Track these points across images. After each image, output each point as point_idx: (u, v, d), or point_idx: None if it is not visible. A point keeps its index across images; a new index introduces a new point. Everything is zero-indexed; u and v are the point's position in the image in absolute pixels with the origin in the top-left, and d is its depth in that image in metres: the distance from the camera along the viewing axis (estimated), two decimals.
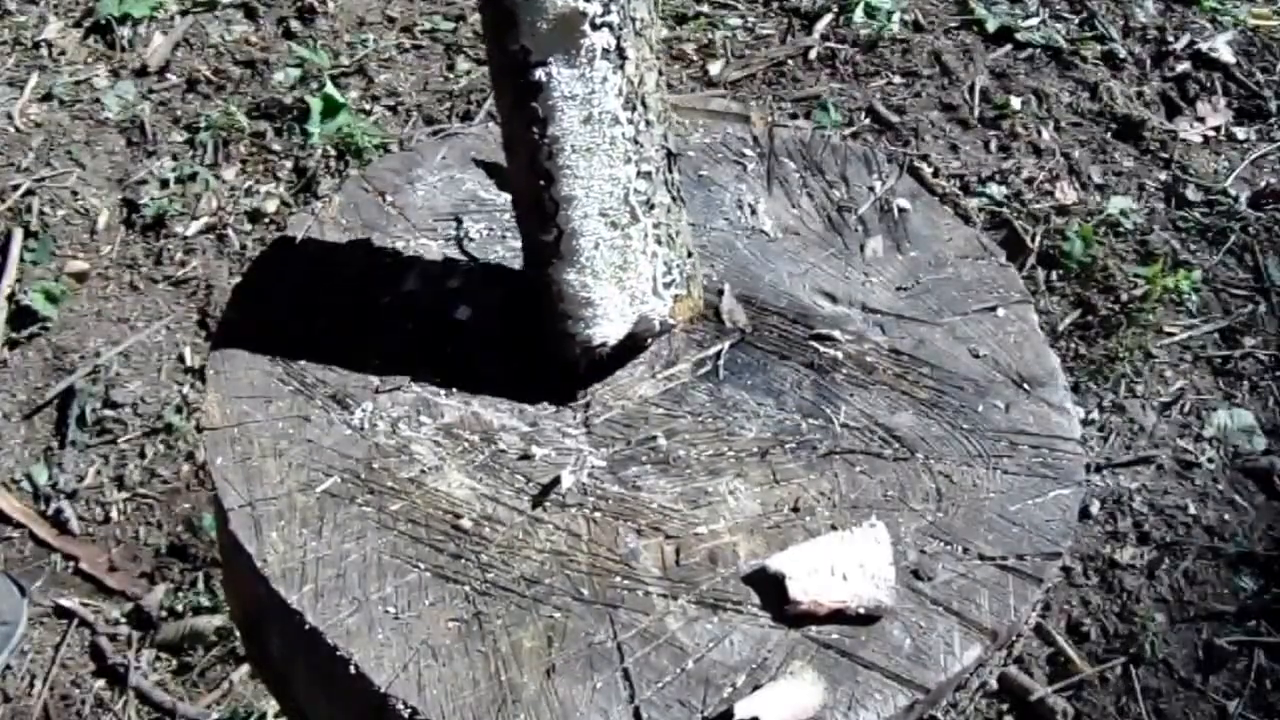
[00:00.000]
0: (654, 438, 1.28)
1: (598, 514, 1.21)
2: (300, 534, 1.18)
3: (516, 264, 1.43)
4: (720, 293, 1.41)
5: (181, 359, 2.80)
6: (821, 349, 1.37)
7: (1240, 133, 3.34)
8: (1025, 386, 1.35)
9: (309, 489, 1.22)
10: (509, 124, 1.25)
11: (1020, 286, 1.46)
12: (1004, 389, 1.35)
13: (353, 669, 1.09)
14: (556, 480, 1.23)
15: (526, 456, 1.26)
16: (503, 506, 1.22)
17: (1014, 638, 1.19)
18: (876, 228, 1.51)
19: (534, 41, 1.15)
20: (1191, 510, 2.59)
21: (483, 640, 1.12)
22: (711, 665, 1.10)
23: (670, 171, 1.29)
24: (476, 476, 1.24)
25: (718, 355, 1.36)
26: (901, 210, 1.53)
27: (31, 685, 2.34)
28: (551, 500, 1.22)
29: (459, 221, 1.48)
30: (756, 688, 1.08)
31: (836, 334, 1.38)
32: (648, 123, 1.25)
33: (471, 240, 1.47)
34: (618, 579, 1.16)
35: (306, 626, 1.12)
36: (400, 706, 1.07)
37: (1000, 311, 1.42)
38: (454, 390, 1.31)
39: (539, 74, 1.17)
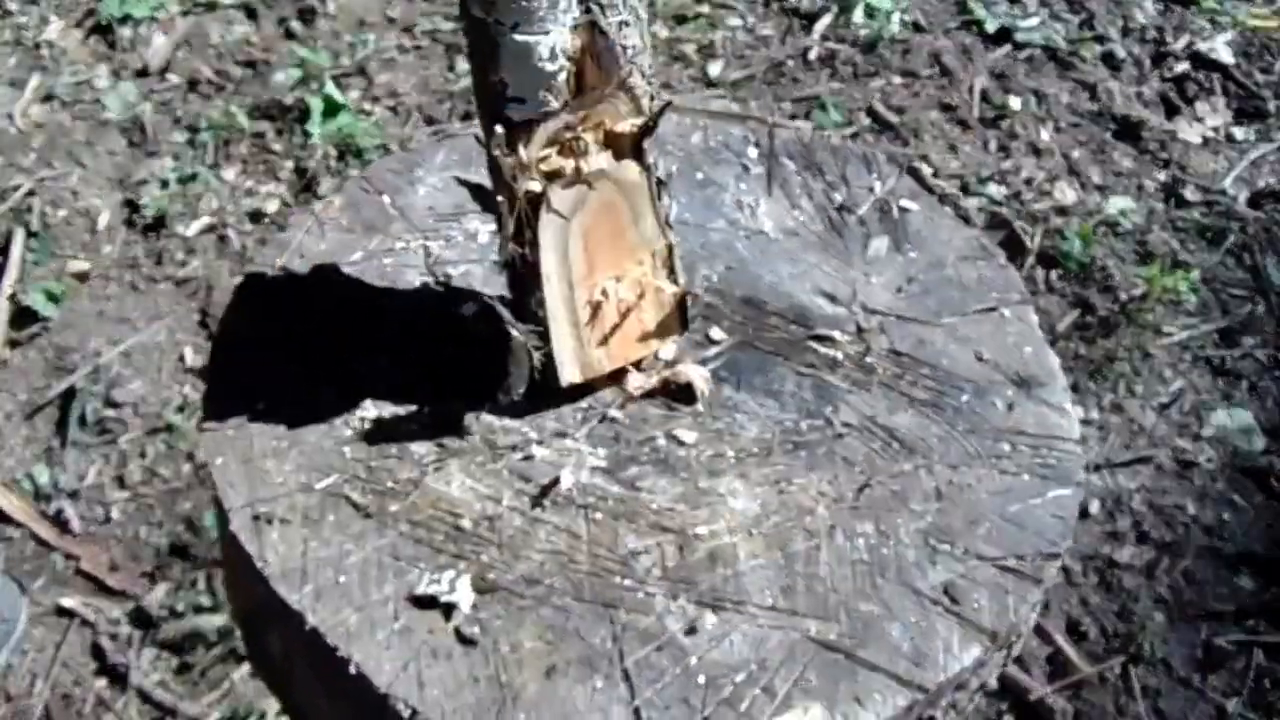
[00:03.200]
0: (654, 438, 1.28)
1: (598, 514, 1.22)
2: (301, 534, 1.18)
3: None
4: (720, 293, 1.42)
5: (182, 359, 2.80)
6: (821, 350, 1.37)
7: (1239, 133, 3.34)
8: (1025, 387, 1.35)
9: (310, 489, 1.22)
10: (491, 150, 1.24)
11: (1020, 287, 1.46)
12: (1003, 389, 1.35)
13: (353, 669, 1.09)
14: (556, 480, 1.24)
15: (527, 457, 1.26)
16: (503, 507, 1.22)
17: (1014, 638, 1.19)
18: (876, 228, 1.51)
19: (512, 76, 1.15)
20: (1190, 510, 2.60)
21: (483, 640, 1.12)
22: (712, 666, 1.11)
23: (658, 201, 1.28)
24: (476, 476, 1.24)
25: (718, 356, 1.36)
26: (902, 211, 1.53)
27: (33, 684, 2.35)
28: (551, 500, 1.23)
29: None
30: (762, 690, 1.09)
31: (836, 335, 1.39)
32: None
33: (470, 243, 1.47)
34: (618, 579, 1.17)
35: (307, 627, 1.12)
36: (400, 707, 1.07)
37: (1000, 312, 1.42)
38: (455, 390, 1.31)
39: (514, 111, 1.16)
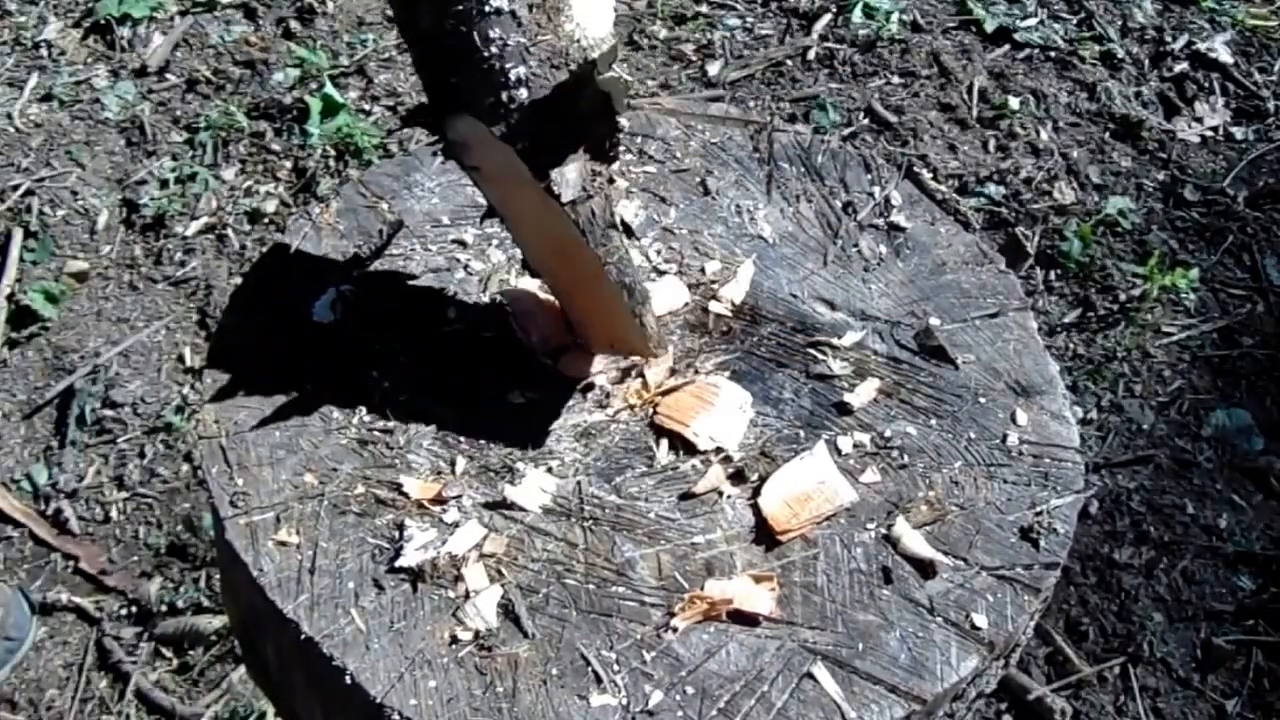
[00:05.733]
0: (649, 446, 1.28)
1: (594, 523, 1.21)
2: (296, 543, 1.18)
3: (508, 270, 1.43)
4: (719, 299, 1.41)
5: (181, 359, 2.80)
6: (820, 357, 1.37)
7: (1238, 133, 3.33)
8: (1024, 394, 1.35)
9: (306, 497, 1.22)
10: None
11: (1020, 293, 1.46)
12: (1003, 397, 1.34)
13: (348, 679, 1.09)
14: (552, 488, 1.23)
15: (522, 464, 1.26)
16: (499, 515, 1.22)
17: (1012, 648, 1.19)
18: (876, 234, 1.51)
19: None
20: (1189, 510, 2.59)
21: (478, 650, 1.12)
22: (708, 676, 1.10)
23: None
24: (473, 485, 1.24)
25: (720, 364, 1.36)
26: (901, 215, 1.52)
27: (33, 685, 2.34)
28: (548, 508, 1.22)
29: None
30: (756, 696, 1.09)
31: (835, 341, 1.38)
32: None
33: (465, 249, 1.47)
34: (614, 588, 1.16)
35: (303, 636, 1.12)
36: (395, 717, 1.07)
37: (999, 319, 1.42)
38: (451, 398, 1.31)
39: None
